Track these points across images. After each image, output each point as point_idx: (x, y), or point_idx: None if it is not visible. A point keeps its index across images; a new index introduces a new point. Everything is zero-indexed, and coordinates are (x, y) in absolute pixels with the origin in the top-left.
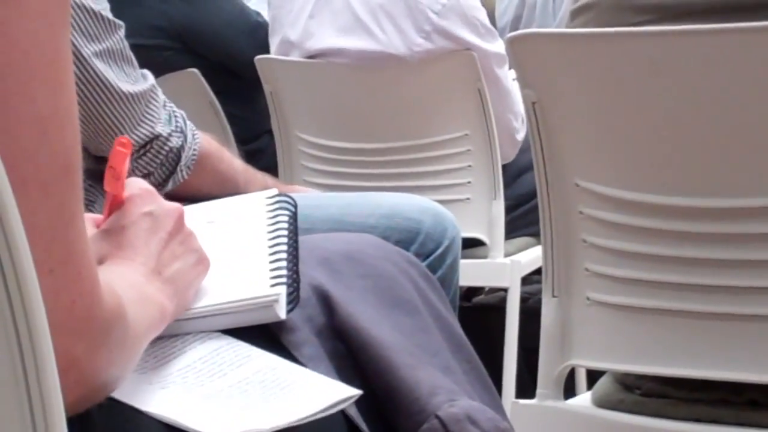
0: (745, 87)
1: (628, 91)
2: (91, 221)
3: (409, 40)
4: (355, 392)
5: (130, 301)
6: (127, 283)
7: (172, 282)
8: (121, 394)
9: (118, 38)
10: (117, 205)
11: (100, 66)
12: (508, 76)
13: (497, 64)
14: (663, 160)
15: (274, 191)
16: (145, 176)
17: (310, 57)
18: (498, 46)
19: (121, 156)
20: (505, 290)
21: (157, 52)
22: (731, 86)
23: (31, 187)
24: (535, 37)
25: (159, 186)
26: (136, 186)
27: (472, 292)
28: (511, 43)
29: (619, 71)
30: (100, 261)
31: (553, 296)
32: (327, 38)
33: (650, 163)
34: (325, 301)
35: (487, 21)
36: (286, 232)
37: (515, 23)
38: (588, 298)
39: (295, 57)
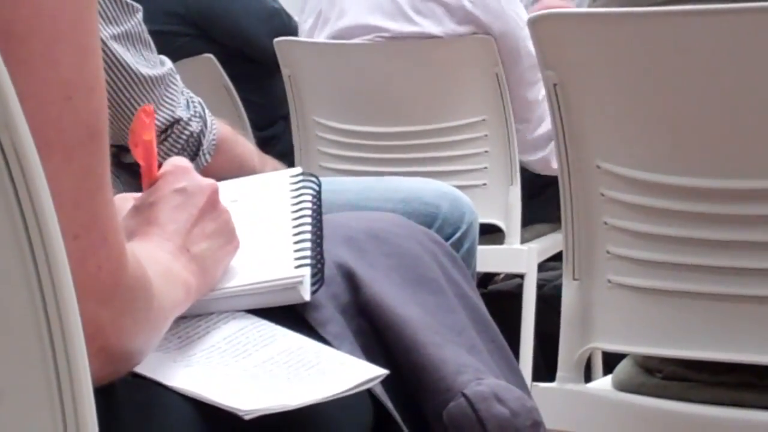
0: None
1: (651, 71)
2: (130, 199)
3: (444, 26)
4: (382, 372)
5: (156, 275)
6: (153, 258)
7: (199, 260)
8: (145, 371)
9: (136, 21)
10: (151, 182)
11: (119, 49)
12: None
13: (529, 69)
14: (685, 142)
15: (299, 170)
16: None
17: (339, 36)
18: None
19: (140, 122)
20: (521, 277)
21: (173, 38)
22: (755, 66)
23: (55, 152)
24: (557, 17)
25: None
26: (171, 163)
27: (487, 278)
28: (532, 24)
29: (641, 51)
30: (129, 237)
31: (574, 279)
32: (356, 16)
33: (672, 145)
34: (350, 279)
35: (523, 12)
36: (310, 212)
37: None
38: (609, 281)
39: (326, 34)
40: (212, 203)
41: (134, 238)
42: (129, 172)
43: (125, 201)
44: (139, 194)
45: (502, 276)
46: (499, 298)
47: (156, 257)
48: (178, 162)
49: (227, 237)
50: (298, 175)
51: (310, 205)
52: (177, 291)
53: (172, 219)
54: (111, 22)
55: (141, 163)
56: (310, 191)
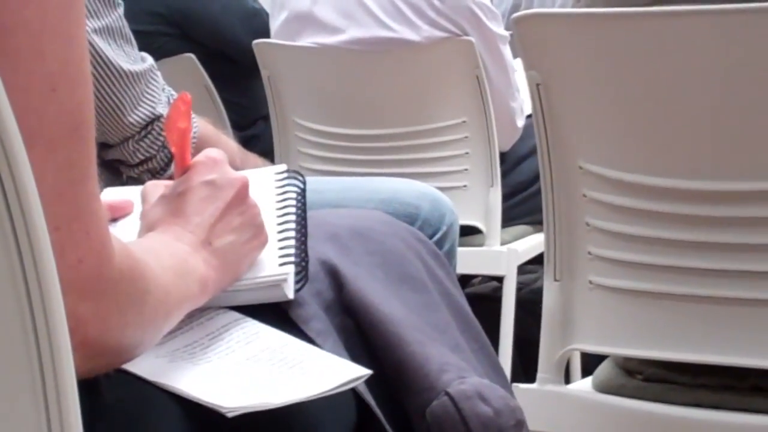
0: (751, 69)
1: (634, 72)
2: (161, 186)
3: (416, 26)
4: (365, 372)
5: (165, 268)
6: (167, 250)
7: (221, 254)
8: (128, 366)
9: (118, 16)
10: (183, 170)
11: (100, 43)
12: (511, 58)
13: (503, 43)
14: (668, 143)
15: (284, 167)
16: (147, 160)
17: (313, 34)
18: (502, 29)
19: (176, 109)
20: (500, 279)
21: (155, 38)
22: (737, 68)
23: (38, 143)
24: (541, 17)
25: (161, 170)
26: (204, 154)
27: (464, 281)
28: (516, 24)
29: (624, 52)
30: (153, 226)
31: (555, 280)
32: (330, 21)
33: (655, 146)
34: (334, 276)
35: (489, 3)
36: (294, 209)
37: (514, 10)
38: (590, 282)
39: (307, 31)
40: (241, 197)
41: (157, 228)
42: (110, 170)
43: (156, 188)
44: (166, 182)
45: (479, 279)
46: (476, 301)
47: (172, 250)
48: (212, 153)
49: (254, 232)
50: (283, 173)
51: (294, 202)
52: (190, 285)
53: (197, 211)
54: (92, 16)
55: (174, 150)
56: (295, 189)
